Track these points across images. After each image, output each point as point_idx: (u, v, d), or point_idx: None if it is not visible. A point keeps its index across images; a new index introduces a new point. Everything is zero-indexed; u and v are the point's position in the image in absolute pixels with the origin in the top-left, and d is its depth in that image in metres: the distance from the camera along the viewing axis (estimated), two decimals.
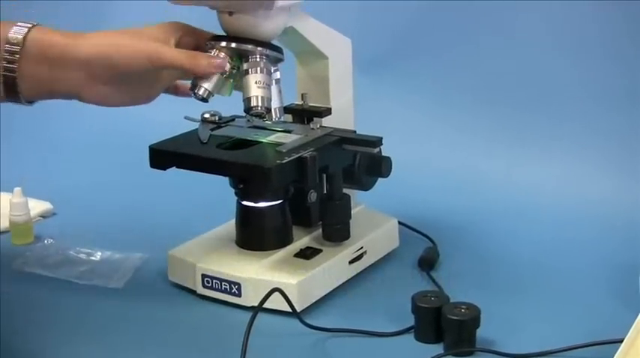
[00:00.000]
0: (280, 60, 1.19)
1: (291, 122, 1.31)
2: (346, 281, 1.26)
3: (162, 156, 1.21)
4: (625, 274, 1.23)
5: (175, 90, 1.23)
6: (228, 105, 1.24)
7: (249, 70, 1.15)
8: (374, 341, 1.13)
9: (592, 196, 1.52)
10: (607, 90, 1.62)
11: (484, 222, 1.48)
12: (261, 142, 1.24)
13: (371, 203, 1.39)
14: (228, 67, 1.14)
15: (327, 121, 1.29)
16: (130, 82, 1.12)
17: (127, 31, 1.12)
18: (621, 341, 1.00)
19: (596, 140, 1.61)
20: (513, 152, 1.66)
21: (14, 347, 1.13)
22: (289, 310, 1.15)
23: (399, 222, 1.39)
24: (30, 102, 1.11)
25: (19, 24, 1.07)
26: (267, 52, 1.16)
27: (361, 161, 1.26)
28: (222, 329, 1.17)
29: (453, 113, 1.75)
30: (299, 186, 1.24)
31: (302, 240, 1.28)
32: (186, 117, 1.29)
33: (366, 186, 1.29)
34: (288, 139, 1.23)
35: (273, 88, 1.18)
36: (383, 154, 1.29)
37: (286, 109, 1.26)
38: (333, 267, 1.24)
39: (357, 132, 1.29)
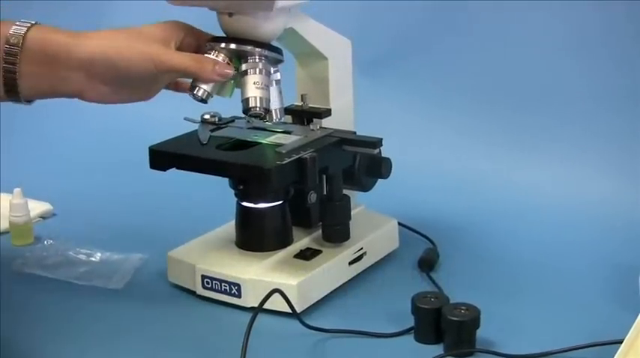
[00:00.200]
0: (280, 61, 1.19)
1: (290, 123, 1.31)
2: (346, 282, 1.26)
3: (162, 157, 1.21)
4: (625, 275, 1.23)
5: (175, 87, 1.23)
6: (228, 106, 1.24)
7: (248, 70, 1.15)
8: (374, 342, 1.13)
9: (592, 197, 1.52)
10: (607, 92, 1.62)
11: (484, 223, 1.48)
12: (261, 143, 1.24)
13: (371, 204, 1.39)
14: (232, 73, 1.14)
15: (326, 122, 1.29)
16: (131, 83, 1.11)
17: (128, 31, 1.12)
18: (621, 341, 1.00)
19: (595, 141, 1.61)
20: (513, 153, 1.66)
21: (14, 348, 1.13)
22: (289, 311, 1.15)
23: (399, 223, 1.39)
24: (29, 101, 1.10)
25: (18, 23, 1.07)
26: (267, 53, 1.16)
27: (361, 162, 1.26)
28: (222, 330, 1.17)
29: (453, 114, 1.75)
30: (299, 187, 1.24)
31: (302, 241, 1.28)
32: (185, 118, 1.29)
33: (365, 187, 1.29)
34: (288, 140, 1.23)
35: (274, 89, 1.19)
36: (383, 155, 1.29)
37: (286, 110, 1.26)
38: (333, 268, 1.24)
39: (357, 134, 1.29)
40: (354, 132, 1.29)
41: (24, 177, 1.59)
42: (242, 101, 1.15)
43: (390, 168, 1.29)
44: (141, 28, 1.12)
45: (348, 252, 1.27)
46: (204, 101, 1.15)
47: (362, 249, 1.29)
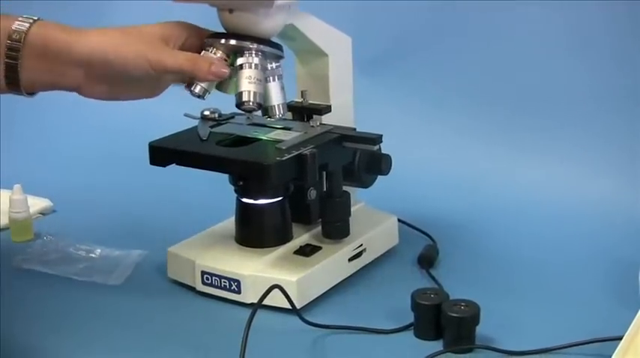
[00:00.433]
0: (280, 57, 1.19)
1: (290, 119, 1.31)
2: (346, 279, 1.27)
3: (162, 153, 1.22)
4: (624, 271, 1.23)
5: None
6: (228, 102, 1.24)
7: (243, 65, 1.15)
8: (373, 338, 1.13)
9: (591, 195, 1.52)
10: (607, 91, 1.62)
11: (484, 220, 1.48)
12: (261, 139, 1.24)
13: (371, 200, 1.39)
14: (228, 73, 1.14)
15: (326, 119, 1.29)
16: (128, 81, 1.11)
17: (128, 29, 1.12)
18: (620, 338, 1.00)
19: (595, 140, 1.61)
20: (513, 151, 1.66)
21: (14, 344, 1.13)
22: (289, 307, 1.15)
23: (399, 220, 1.39)
24: (31, 94, 1.11)
25: (21, 19, 1.07)
26: (263, 48, 1.15)
27: (361, 158, 1.26)
28: (222, 326, 1.17)
29: (453, 112, 1.75)
30: (299, 184, 1.24)
31: (302, 238, 1.28)
32: (186, 115, 1.29)
33: (365, 184, 1.29)
34: (288, 136, 1.24)
35: (275, 84, 1.18)
36: (383, 152, 1.29)
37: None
38: (333, 265, 1.24)
39: (357, 130, 1.29)
40: (354, 129, 1.29)
41: (24, 173, 1.59)
42: (235, 95, 1.15)
43: (390, 165, 1.29)
44: (141, 27, 1.13)
45: (347, 248, 1.27)
46: (201, 97, 1.15)
47: (362, 245, 1.29)
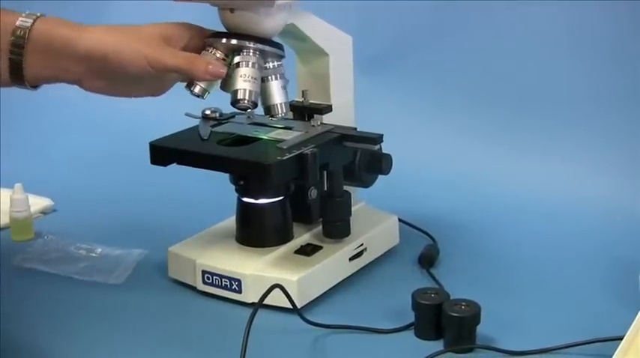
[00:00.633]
0: (280, 56, 1.19)
1: (291, 119, 1.31)
2: (346, 278, 1.27)
3: (163, 152, 1.22)
4: (624, 271, 1.23)
5: None
6: (229, 102, 1.24)
7: (240, 63, 1.15)
8: (374, 338, 1.13)
9: (591, 195, 1.52)
10: (607, 90, 1.62)
11: (484, 220, 1.48)
12: (262, 139, 1.24)
13: (371, 200, 1.39)
14: (224, 73, 1.14)
15: (327, 118, 1.29)
16: (129, 80, 1.12)
17: (128, 28, 1.12)
18: (621, 338, 1.00)
19: (595, 139, 1.61)
20: (513, 150, 1.66)
21: (15, 343, 1.13)
22: (289, 306, 1.15)
23: (400, 220, 1.39)
24: (34, 87, 1.12)
25: (24, 15, 1.09)
26: (261, 47, 1.15)
27: (362, 158, 1.26)
28: (223, 325, 1.17)
29: (454, 112, 1.75)
30: (299, 183, 1.24)
31: (302, 237, 1.28)
32: (187, 114, 1.29)
33: (366, 183, 1.29)
34: (289, 136, 1.24)
35: (276, 83, 1.18)
36: (383, 152, 1.29)
37: None
38: (334, 264, 1.24)
39: (358, 130, 1.29)
40: (355, 129, 1.29)
41: (24, 172, 1.59)
42: (231, 93, 1.15)
43: (391, 165, 1.29)
44: (142, 26, 1.13)
45: (348, 248, 1.27)
46: (200, 97, 1.15)
47: (362, 245, 1.29)
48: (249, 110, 1.18)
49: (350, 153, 1.25)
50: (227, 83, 1.16)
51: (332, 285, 1.24)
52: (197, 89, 1.14)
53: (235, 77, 1.14)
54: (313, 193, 1.26)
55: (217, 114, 1.30)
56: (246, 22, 1.15)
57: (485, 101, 1.72)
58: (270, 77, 1.18)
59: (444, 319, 1.10)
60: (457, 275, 1.28)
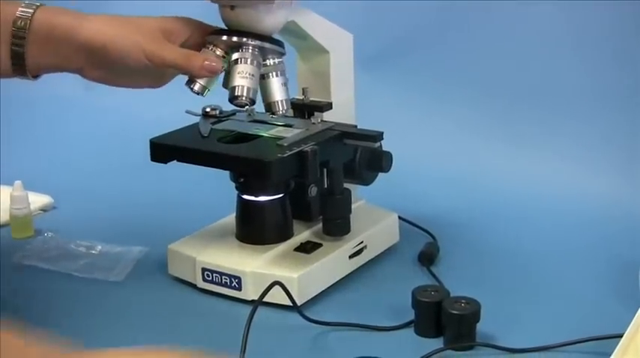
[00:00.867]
0: (281, 53, 1.19)
1: (292, 116, 1.31)
2: (346, 276, 1.26)
3: (163, 149, 1.22)
4: (625, 269, 1.23)
5: None
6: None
7: (238, 60, 1.15)
8: (374, 335, 1.13)
9: (592, 192, 1.52)
10: (608, 87, 1.62)
11: (484, 218, 1.48)
12: (262, 136, 1.24)
13: (371, 198, 1.39)
14: (222, 67, 1.14)
15: (328, 116, 1.29)
16: (126, 71, 1.12)
17: (129, 20, 1.13)
18: (621, 336, 1.00)
19: (596, 137, 1.61)
20: (514, 148, 1.67)
21: (14, 341, 1.12)
22: (289, 304, 1.15)
23: (400, 217, 1.39)
24: (35, 77, 1.12)
25: (23, 5, 1.09)
26: (259, 43, 1.15)
27: (362, 156, 1.26)
28: (223, 322, 1.17)
29: (454, 109, 1.75)
30: (300, 181, 1.24)
31: (302, 235, 1.28)
32: (187, 111, 1.29)
33: (366, 181, 1.29)
34: (289, 133, 1.23)
35: (276, 80, 1.18)
36: (383, 149, 1.29)
37: None
38: (334, 262, 1.24)
39: (358, 127, 1.29)
40: (355, 126, 1.29)
41: (24, 169, 1.59)
42: (228, 90, 1.15)
43: (391, 162, 1.29)
44: (143, 18, 1.13)
45: (348, 245, 1.27)
46: (200, 94, 1.15)
47: (362, 242, 1.29)
48: (247, 107, 1.18)
49: (350, 150, 1.25)
50: (226, 80, 1.16)
51: (332, 283, 1.24)
52: (197, 86, 1.14)
53: (233, 74, 1.14)
54: (313, 191, 1.26)
55: (218, 112, 1.30)
56: (246, 19, 1.15)
57: (486, 99, 1.73)
58: (270, 74, 1.18)
59: (444, 317, 1.10)
60: (457, 272, 1.28)
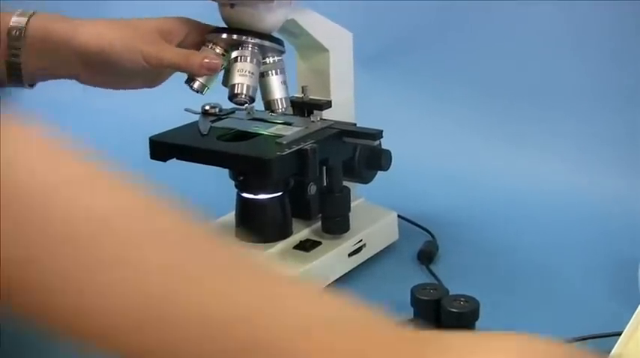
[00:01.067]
0: (281, 51, 1.19)
1: (291, 114, 1.31)
2: (345, 274, 1.27)
3: (162, 147, 1.22)
4: (625, 269, 1.23)
5: None
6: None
7: (238, 58, 1.15)
8: None
9: (592, 191, 1.52)
10: (608, 86, 1.63)
11: (484, 216, 1.48)
12: (262, 134, 1.24)
13: (370, 196, 1.39)
14: (222, 65, 1.14)
15: (327, 114, 1.29)
16: (126, 74, 1.12)
17: (125, 22, 1.12)
18: (620, 333, 1.00)
19: (595, 135, 1.62)
20: (514, 147, 1.67)
21: (12, 339, 1.12)
22: None
23: (399, 216, 1.39)
24: (32, 85, 1.12)
25: (17, 14, 1.08)
26: (259, 41, 1.15)
27: (361, 154, 1.26)
28: None
29: (454, 108, 1.75)
30: (299, 179, 1.24)
31: (301, 233, 1.28)
32: (186, 109, 1.29)
33: (365, 179, 1.29)
34: (289, 131, 1.24)
35: (276, 78, 1.18)
36: (383, 147, 1.29)
37: None
38: (333, 260, 1.24)
39: (357, 126, 1.29)
40: (355, 124, 1.29)
41: None
42: (228, 88, 1.15)
43: (390, 161, 1.29)
44: (139, 20, 1.13)
45: (347, 243, 1.27)
46: (200, 92, 1.16)
47: (361, 240, 1.29)
48: (247, 105, 1.19)
49: (349, 148, 1.25)
50: (226, 78, 1.16)
51: (331, 281, 1.24)
52: (196, 85, 1.14)
53: (233, 72, 1.15)
54: (312, 189, 1.26)
55: (217, 110, 1.30)
56: (246, 17, 1.15)
57: (486, 98, 1.73)
58: (270, 72, 1.18)
59: (443, 315, 1.10)
60: (456, 271, 1.29)
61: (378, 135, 1.25)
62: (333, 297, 0.58)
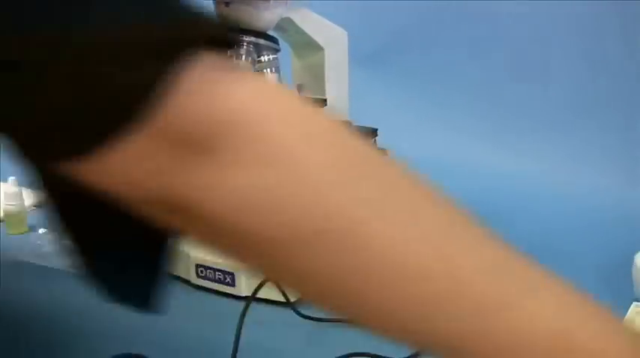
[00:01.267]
0: (276, 50, 1.19)
1: None
2: None
3: None
4: (619, 265, 1.23)
5: None
6: None
7: (232, 56, 1.15)
8: (367, 331, 1.13)
9: (585, 189, 1.53)
10: (608, 85, 1.63)
11: (480, 214, 1.48)
12: None
13: None
14: None
15: None
16: None
17: None
18: None
19: (590, 133, 1.62)
20: (512, 145, 1.67)
21: (9, 337, 1.13)
22: (283, 300, 1.15)
23: None
24: None
25: None
26: (254, 40, 1.16)
27: None
28: (216, 318, 1.17)
29: (449, 107, 1.76)
30: None
31: None
32: None
33: None
34: None
35: (271, 77, 1.19)
36: (378, 146, 1.29)
37: None
38: None
39: (352, 124, 1.29)
40: (350, 123, 1.29)
41: (18, 165, 1.59)
42: None
43: None
44: None
45: None
46: None
47: None
48: None
49: None
50: None
51: None
52: None
53: None
54: None
55: None
56: (241, 15, 1.15)
57: (482, 97, 1.73)
58: (265, 70, 1.18)
59: None
60: None
61: (372, 133, 1.25)
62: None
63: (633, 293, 1.16)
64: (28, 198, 1.49)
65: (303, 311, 1.15)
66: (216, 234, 0.54)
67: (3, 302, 1.20)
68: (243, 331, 1.06)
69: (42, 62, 0.49)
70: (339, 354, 1.07)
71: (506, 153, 1.65)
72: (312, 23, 1.27)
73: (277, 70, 1.19)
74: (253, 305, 1.11)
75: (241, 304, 1.12)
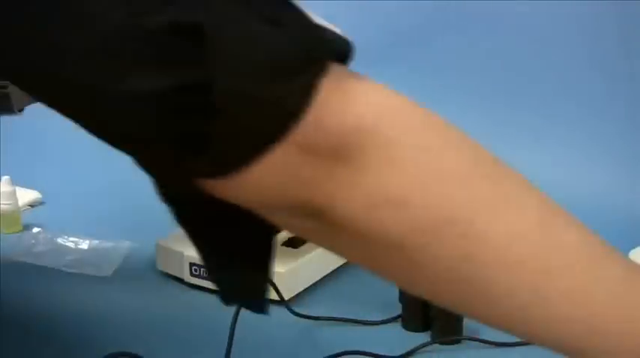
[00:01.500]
0: None
1: None
2: (334, 270, 1.27)
3: None
4: None
5: None
6: None
7: None
8: (362, 330, 1.14)
9: (591, 190, 1.53)
10: (607, 84, 1.63)
11: None
12: None
13: None
14: None
15: None
16: None
17: None
18: None
19: (594, 132, 1.62)
20: (512, 145, 1.67)
21: (2, 335, 1.13)
22: (277, 298, 1.15)
23: None
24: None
25: None
26: None
27: None
28: (210, 317, 1.17)
29: (449, 107, 1.71)
30: None
31: None
32: None
33: None
34: None
35: None
36: None
37: None
38: (321, 256, 1.24)
39: None
40: None
41: (13, 164, 1.58)
42: None
43: None
44: None
45: None
46: None
47: None
48: None
49: None
50: None
51: (319, 277, 1.24)
52: None
53: None
54: None
55: None
56: None
57: (484, 96, 1.72)
58: None
59: (432, 311, 1.10)
60: None
61: None
62: None
63: None
64: (22, 197, 1.49)
65: (297, 310, 1.15)
66: (347, 236, 0.58)
67: None
68: (237, 329, 1.06)
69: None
70: (332, 352, 1.07)
71: (506, 152, 1.64)
72: None
73: None
74: None
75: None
